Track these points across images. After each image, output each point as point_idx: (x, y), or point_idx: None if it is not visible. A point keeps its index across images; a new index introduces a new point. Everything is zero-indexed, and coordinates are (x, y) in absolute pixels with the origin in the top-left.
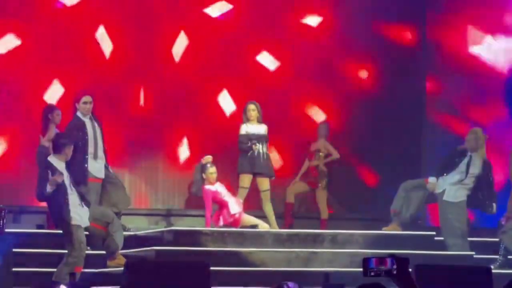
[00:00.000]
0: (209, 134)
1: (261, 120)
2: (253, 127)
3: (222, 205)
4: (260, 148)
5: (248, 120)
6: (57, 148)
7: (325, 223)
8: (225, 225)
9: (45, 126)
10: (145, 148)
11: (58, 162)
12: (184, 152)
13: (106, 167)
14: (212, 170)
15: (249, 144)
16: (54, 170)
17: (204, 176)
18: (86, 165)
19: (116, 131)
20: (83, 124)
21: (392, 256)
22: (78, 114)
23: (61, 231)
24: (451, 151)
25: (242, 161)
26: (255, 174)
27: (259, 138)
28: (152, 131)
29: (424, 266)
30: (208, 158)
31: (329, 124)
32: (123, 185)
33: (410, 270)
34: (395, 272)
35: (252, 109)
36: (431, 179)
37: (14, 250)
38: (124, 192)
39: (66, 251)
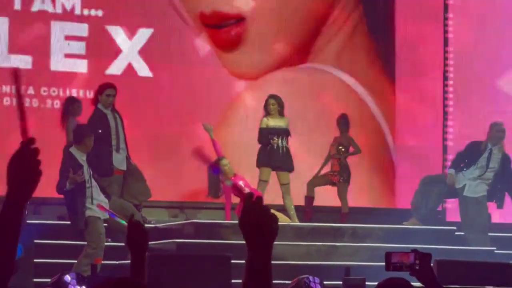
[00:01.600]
0: (231, 127)
1: (283, 113)
2: (274, 121)
3: (243, 198)
4: (279, 142)
5: (268, 113)
6: (77, 139)
7: (345, 217)
8: None
9: (64, 117)
10: (166, 140)
11: (79, 154)
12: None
13: (127, 159)
14: (225, 162)
15: (268, 138)
16: (74, 161)
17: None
18: (111, 158)
19: (137, 123)
20: (105, 116)
21: (414, 251)
22: (100, 106)
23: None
24: (469, 145)
25: (261, 155)
26: (274, 168)
27: (279, 132)
28: (174, 123)
29: (446, 261)
30: (206, 124)
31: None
32: (144, 177)
33: (431, 265)
34: (417, 267)
35: (272, 103)
36: (450, 171)
37: (35, 241)
38: (144, 184)
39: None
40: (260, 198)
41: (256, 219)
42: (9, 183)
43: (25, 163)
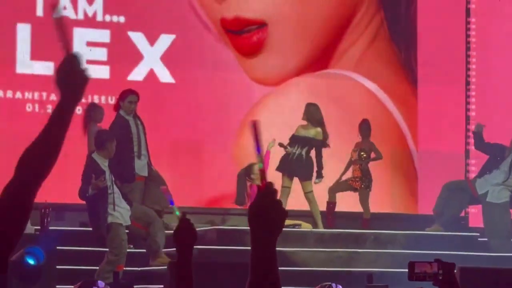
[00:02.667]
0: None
1: (316, 123)
2: (303, 129)
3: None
4: (298, 150)
5: (303, 121)
6: (99, 144)
7: (367, 223)
8: None
9: (87, 123)
10: (189, 146)
11: (101, 159)
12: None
13: (148, 165)
14: (256, 168)
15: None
16: (97, 167)
17: (253, 176)
18: (133, 164)
19: (159, 129)
20: (127, 123)
21: (437, 260)
22: (121, 112)
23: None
24: (492, 151)
25: (282, 161)
26: (292, 176)
27: (303, 140)
28: (196, 129)
29: (469, 269)
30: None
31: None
32: (165, 183)
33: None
34: (440, 277)
35: (303, 112)
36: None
37: (58, 247)
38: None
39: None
40: (275, 191)
41: (265, 209)
42: (60, 87)
43: (73, 69)
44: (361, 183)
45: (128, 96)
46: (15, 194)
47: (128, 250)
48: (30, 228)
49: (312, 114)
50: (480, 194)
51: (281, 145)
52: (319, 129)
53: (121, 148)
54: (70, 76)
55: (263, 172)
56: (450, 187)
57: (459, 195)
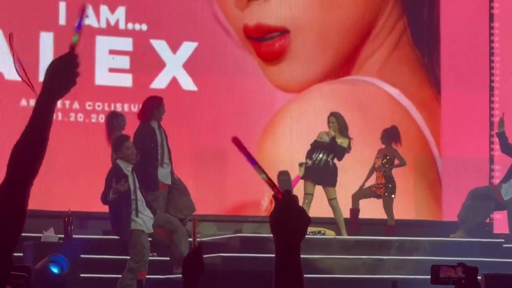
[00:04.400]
0: (275, 139)
1: (343, 131)
2: (327, 136)
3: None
4: (324, 157)
5: (329, 129)
6: (115, 148)
7: (392, 229)
8: None
9: (110, 132)
10: (212, 153)
11: (124, 164)
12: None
13: (171, 173)
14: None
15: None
16: (119, 171)
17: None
18: (156, 172)
19: (182, 137)
20: (154, 131)
21: (461, 264)
22: (152, 121)
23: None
24: None
25: (306, 168)
26: (316, 182)
27: (329, 147)
28: (219, 136)
29: (494, 275)
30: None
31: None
32: (188, 191)
33: (479, 278)
34: (464, 281)
35: (332, 122)
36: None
37: (82, 256)
38: (188, 198)
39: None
40: (296, 197)
41: (288, 216)
42: (47, 81)
43: (66, 65)
44: (385, 189)
45: (162, 104)
46: (7, 196)
47: (151, 257)
48: (54, 237)
49: (344, 124)
50: (506, 200)
51: (301, 164)
52: (347, 140)
53: (147, 157)
54: (64, 73)
55: (270, 182)
56: (475, 194)
57: (485, 202)
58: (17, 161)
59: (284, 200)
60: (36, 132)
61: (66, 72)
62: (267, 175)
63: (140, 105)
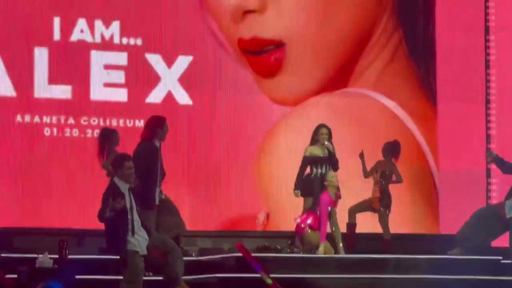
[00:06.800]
0: (271, 153)
1: (330, 140)
2: (320, 149)
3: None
4: (324, 170)
5: (316, 142)
6: (116, 167)
7: (388, 244)
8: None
9: (103, 148)
10: (208, 168)
11: (122, 183)
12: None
13: (160, 193)
14: (331, 173)
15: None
16: (116, 189)
17: (326, 183)
18: (155, 191)
19: (177, 152)
20: (157, 150)
21: None
22: (155, 140)
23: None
24: None
25: (303, 184)
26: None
27: (327, 160)
28: (215, 151)
29: None
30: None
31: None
32: (177, 209)
33: None
34: None
35: (325, 133)
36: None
37: (77, 276)
38: (178, 217)
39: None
40: None
41: None
42: None
43: None
44: (380, 204)
45: (165, 123)
46: None
47: (146, 278)
48: (48, 262)
49: (330, 134)
50: (508, 218)
51: (296, 194)
52: (331, 146)
53: (149, 175)
54: None
55: (275, 287)
56: (480, 216)
57: (489, 223)
58: None
59: None
60: None
61: None
62: (272, 280)
63: (135, 120)
